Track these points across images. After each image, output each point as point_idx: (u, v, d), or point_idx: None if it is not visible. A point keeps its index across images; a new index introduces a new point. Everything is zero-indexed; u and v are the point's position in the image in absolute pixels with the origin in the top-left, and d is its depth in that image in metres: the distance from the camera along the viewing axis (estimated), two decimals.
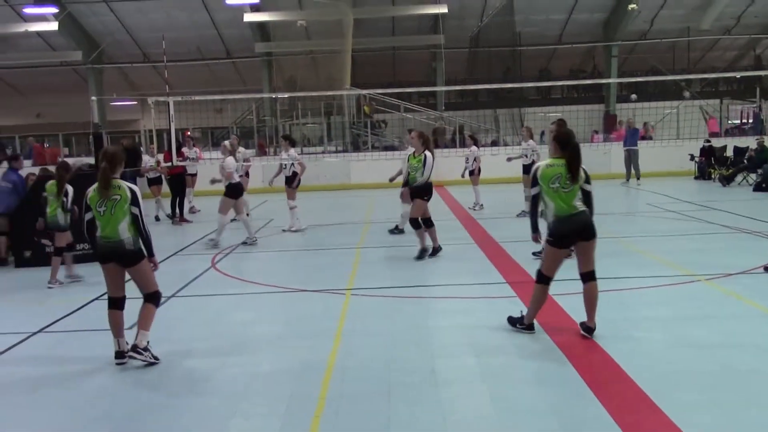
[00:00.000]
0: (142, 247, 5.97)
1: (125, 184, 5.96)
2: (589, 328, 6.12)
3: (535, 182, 6.12)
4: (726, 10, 30.45)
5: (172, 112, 14.87)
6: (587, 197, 6.08)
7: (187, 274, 9.57)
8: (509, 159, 14.85)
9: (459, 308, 7.53)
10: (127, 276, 6.03)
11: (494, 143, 26.77)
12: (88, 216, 5.94)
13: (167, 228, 15.13)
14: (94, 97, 24.65)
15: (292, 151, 13.36)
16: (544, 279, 6.21)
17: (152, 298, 6.00)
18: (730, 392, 4.91)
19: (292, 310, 7.72)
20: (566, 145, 6.05)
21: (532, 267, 9.04)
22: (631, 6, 28.38)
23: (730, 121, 30.31)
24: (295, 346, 6.35)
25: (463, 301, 7.79)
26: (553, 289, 7.36)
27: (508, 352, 5.95)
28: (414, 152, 10.20)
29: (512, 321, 6.44)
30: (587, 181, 6.09)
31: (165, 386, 5.48)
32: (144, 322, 5.91)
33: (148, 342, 5.89)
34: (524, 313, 6.38)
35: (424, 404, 4.88)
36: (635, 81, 28.78)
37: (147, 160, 17.54)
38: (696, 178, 21.31)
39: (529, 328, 6.32)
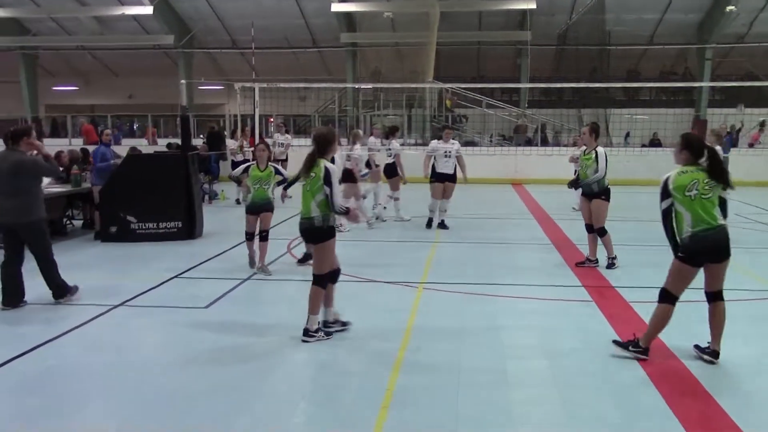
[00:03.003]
0: (331, 228, 6.15)
1: (324, 163, 6.08)
2: (715, 352, 5.61)
3: (666, 194, 5.54)
4: None
5: (257, 98, 15.10)
6: (723, 206, 5.63)
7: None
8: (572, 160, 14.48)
9: (532, 309, 7.41)
10: None
11: (575, 143, 26.20)
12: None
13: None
14: (183, 81, 25.31)
15: (395, 142, 13.80)
16: (670, 298, 5.60)
17: (317, 279, 6.14)
18: None
19: (363, 301, 7.75)
20: (701, 151, 5.55)
21: (609, 273, 8.87)
22: (729, 8, 27.26)
23: None
24: (364, 337, 6.38)
25: (536, 302, 7.66)
26: (631, 295, 7.18)
27: (581, 357, 5.83)
28: (585, 149, 9.38)
29: (622, 344, 5.82)
30: (725, 188, 5.59)
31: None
32: (311, 305, 6.13)
33: (319, 322, 6.20)
34: (637, 335, 5.81)
35: (492, 405, 4.83)
36: (729, 85, 27.64)
37: (231, 144, 17.98)
38: None
39: (645, 352, 5.68)
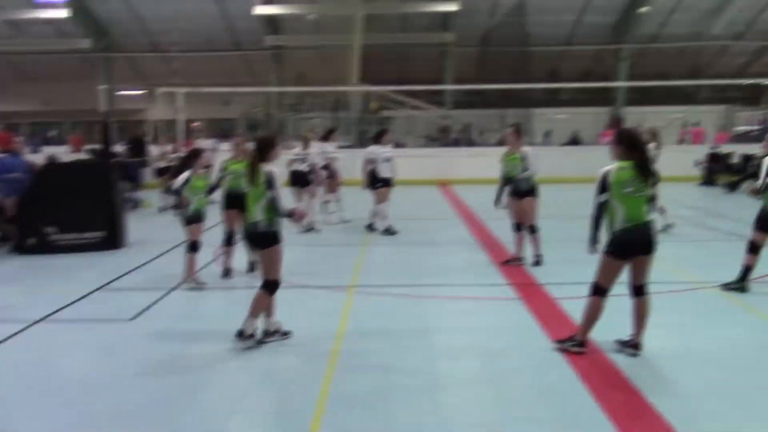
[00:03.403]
0: (276, 232, 6.12)
1: (265, 168, 6.08)
2: (637, 345, 5.82)
3: (604, 188, 5.67)
4: (738, 15, 30.30)
5: (180, 103, 14.83)
6: (652, 201, 5.77)
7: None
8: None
9: (462, 309, 7.51)
10: None
11: (500, 143, 26.69)
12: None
13: (172, 219, 15.07)
14: (102, 86, 24.64)
15: (330, 146, 13.79)
16: (601, 291, 5.78)
17: (267, 285, 6.11)
18: (729, 403, 4.89)
19: (294, 306, 7.67)
20: (634, 147, 5.72)
21: (535, 270, 9.06)
22: (643, 9, 28.27)
23: (735, 129, 30.20)
24: (296, 344, 6.32)
25: (465, 302, 7.76)
26: (558, 292, 7.36)
27: (512, 356, 5.93)
28: (509, 150, 9.50)
29: (561, 342, 5.98)
30: (655, 183, 5.77)
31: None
32: (252, 307, 6.10)
33: (255, 329, 6.14)
34: (573, 332, 5.99)
35: (426, 408, 4.87)
36: (644, 85, 28.66)
37: (154, 150, 17.61)
38: (701, 184, 21.21)
39: (582, 345, 5.88)
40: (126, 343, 6.40)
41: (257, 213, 6.06)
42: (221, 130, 29.40)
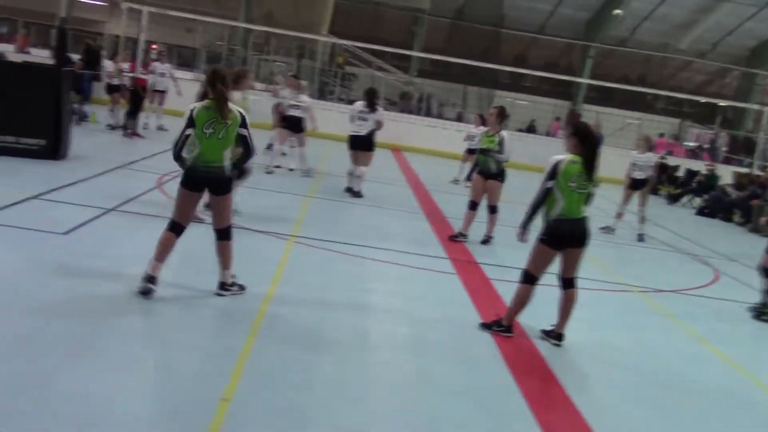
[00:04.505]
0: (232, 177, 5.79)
1: (235, 108, 5.65)
2: (560, 335, 5.95)
3: (552, 176, 5.69)
4: (705, 34, 30.93)
5: (144, 21, 14.38)
6: (589, 198, 5.86)
7: (128, 190, 9.34)
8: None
9: (399, 275, 7.58)
10: None
11: (459, 118, 26.82)
12: (188, 132, 5.56)
13: (117, 139, 14.76)
14: None
15: (306, 97, 13.31)
16: (531, 279, 5.86)
17: (228, 233, 5.81)
18: (641, 398, 5.10)
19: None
20: (586, 142, 5.75)
21: (474, 249, 9.19)
22: (616, 11, 28.57)
23: (685, 143, 31.01)
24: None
25: (404, 268, 7.82)
26: (492, 273, 7.49)
27: (440, 327, 6.03)
28: (488, 130, 9.64)
29: (486, 325, 6.03)
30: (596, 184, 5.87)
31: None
32: (227, 260, 5.82)
33: (233, 276, 5.89)
34: (500, 315, 6.05)
35: (350, 365, 4.93)
36: (606, 85, 29.07)
37: (109, 66, 17.05)
38: None
39: (509, 330, 5.95)
40: (54, 255, 6.25)
41: (224, 156, 5.66)
42: (180, 58, 28.70)
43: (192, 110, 5.60)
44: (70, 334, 4.65)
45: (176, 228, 5.72)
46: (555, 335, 5.99)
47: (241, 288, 5.95)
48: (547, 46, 33.54)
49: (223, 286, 5.85)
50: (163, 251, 5.65)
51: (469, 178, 9.81)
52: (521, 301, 5.91)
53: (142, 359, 4.57)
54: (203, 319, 5.46)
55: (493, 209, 9.65)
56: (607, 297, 8.01)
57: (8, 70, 11.31)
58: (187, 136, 5.58)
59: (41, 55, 23.03)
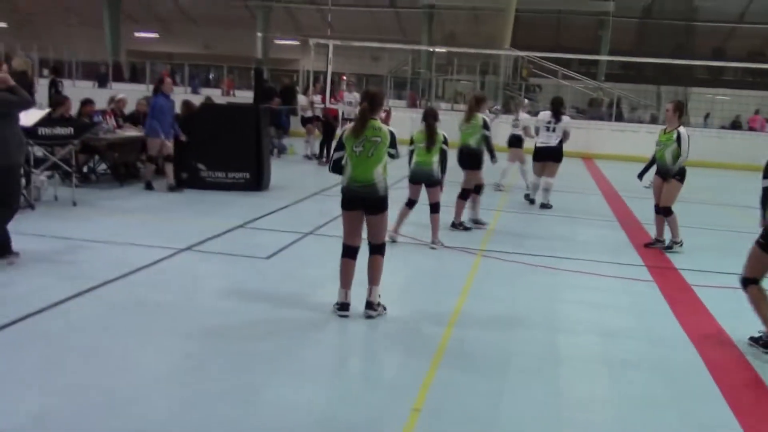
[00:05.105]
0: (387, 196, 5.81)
1: (385, 127, 5.75)
2: (370, 303, 5.73)
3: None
4: None
5: (331, 55, 15.19)
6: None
7: (326, 214, 9.86)
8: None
9: (591, 285, 7.36)
10: None
11: (653, 120, 25.54)
12: (338, 155, 5.78)
13: (313, 168, 15.66)
14: (259, 33, 25.56)
15: (524, 114, 13.70)
16: (752, 282, 5.54)
17: (381, 249, 5.86)
18: None
19: (414, 264, 7.84)
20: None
21: (671, 255, 8.70)
22: None
23: None
24: (418, 300, 6.47)
25: (596, 278, 7.58)
26: (691, 278, 7.07)
27: (635, 336, 5.79)
28: (666, 127, 8.96)
29: (755, 340, 5.61)
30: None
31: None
32: (377, 275, 5.81)
33: (379, 296, 5.85)
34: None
35: (539, 378, 4.87)
36: None
37: (302, 100, 18.15)
38: None
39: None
40: (260, 278, 6.75)
41: (377, 174, 5.67)
42: (369, 86, 29.82)
43: (342, 133, 5.86)
44: (276, 348, 5.02)
45: (348, 251, 5.82)
46: (764, 343, 5.55)
47: (384, 308, 5.85)
48: (748, 35, 31.06)
49: (371, 306, 5.77)
50: (344, 278, 5.80)
51: (641, 176, 9.26)
52: (763, 304, 5.50)
53: (339, 371, 4.83)
54: (389, 336, 5.62)
55: (666, 212, 8.82)
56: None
57: (215, 112, 12.43)
58: (340, 158, 5.77)
59: (245, 96, 24.96)
